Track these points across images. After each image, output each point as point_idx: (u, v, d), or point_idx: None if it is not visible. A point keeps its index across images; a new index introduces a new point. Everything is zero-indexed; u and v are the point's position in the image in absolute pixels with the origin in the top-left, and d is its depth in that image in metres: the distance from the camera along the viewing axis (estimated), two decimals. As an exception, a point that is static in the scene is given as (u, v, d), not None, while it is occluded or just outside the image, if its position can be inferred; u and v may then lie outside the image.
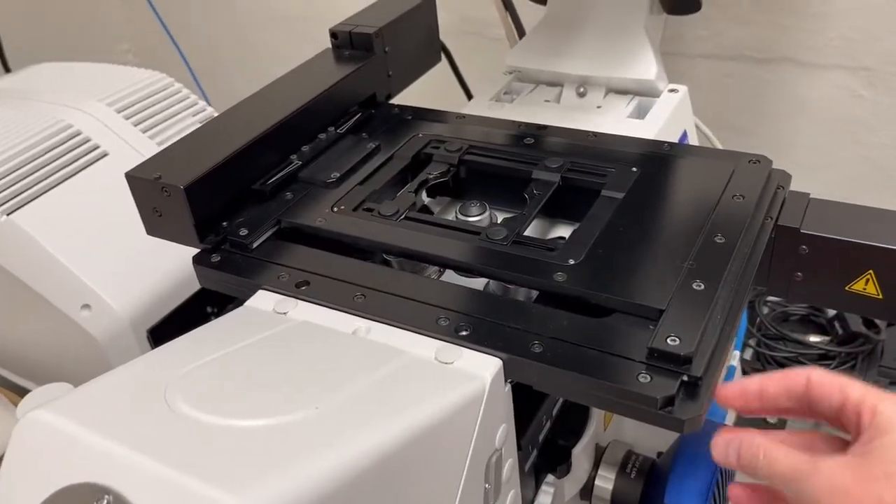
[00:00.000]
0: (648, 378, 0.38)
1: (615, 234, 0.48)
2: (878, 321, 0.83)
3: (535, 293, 0.48)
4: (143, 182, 0.50)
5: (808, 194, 0.52)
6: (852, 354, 0.83)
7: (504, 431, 0.43)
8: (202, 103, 0.76)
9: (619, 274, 0.45)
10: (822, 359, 0.84)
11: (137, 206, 0.52)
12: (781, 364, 0.85)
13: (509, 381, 0.42)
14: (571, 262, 0.46)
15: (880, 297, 0.49)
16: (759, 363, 0.85)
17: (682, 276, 0.44)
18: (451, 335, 0.42)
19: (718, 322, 0.41)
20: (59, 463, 0.31)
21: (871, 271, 0.48)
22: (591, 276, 0.45)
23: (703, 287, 0.43)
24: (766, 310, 0.88)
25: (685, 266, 0.45)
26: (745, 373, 0.85)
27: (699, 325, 0.40)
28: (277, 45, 1.33)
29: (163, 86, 0.77)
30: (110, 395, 0.35)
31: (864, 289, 0.49)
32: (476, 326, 0.43)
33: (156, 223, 0.52)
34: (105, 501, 0.29)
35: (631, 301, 0.43)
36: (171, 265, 0.63)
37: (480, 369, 0.40)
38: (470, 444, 0.39)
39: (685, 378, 0.38)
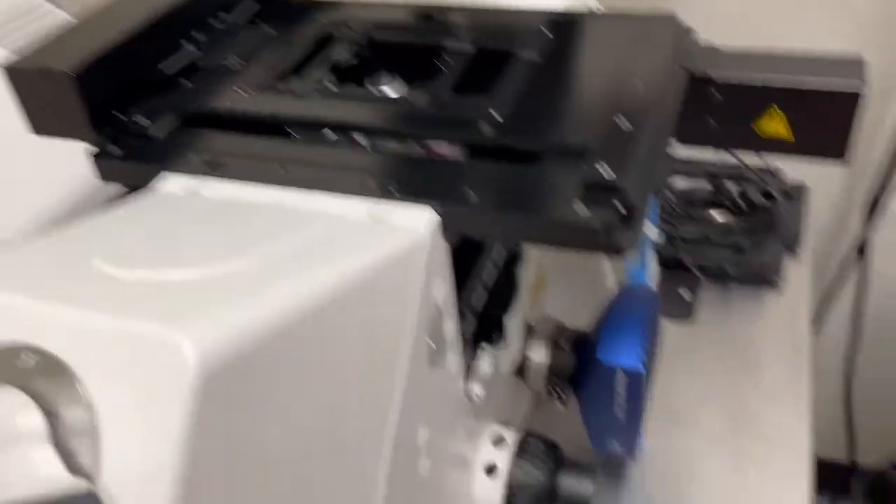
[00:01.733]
0: (586, 210, 0.38)
1: (538, 91, 0.48)
2: (774, 193, 0.87)
3: (460, 153, 0.47)
4: (25, 73, 0.46)
5: (717, 46, 0.53)
6: (755, 224, 0.87)
7: (445, 291, 0.42)
8: (49, 6, 0.70)
9: (547, 122, 0.45)
10: (727, 233, 0.87)
11: (21, 102, 0.47)
12: (690, 242, 0.87)
13: (448, 240, 0.41)
14: (496, 115, 0.45)
15: (791, 138, 0.51)
16: (669, 243, 0.88)
17: (608, 119, 0.44)
18: (383, 193, 0.41)
19: (646, 157, 0.42)
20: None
21: (773, 106, 0.50)
22: (519, 127, 0.44)
23: (630, 127, 0.43)
24: (671, 195, 0.91)
25: (610, 112, 0.45)
26: (658, 253, 0.88)
27: (630, 158, 0.40)
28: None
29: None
30: (28, 261, 0.32)
31: (777, 131, 0.51)
32: (408, 183, 0.41)
33: (43, 120, 0.47)
34: (33, 361, 0.26)
35: (561, 142, 0.42)
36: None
37: (418, 222, 0.39)
38: (414, 298, 0.38)
39: (620, 207, 0.39)
